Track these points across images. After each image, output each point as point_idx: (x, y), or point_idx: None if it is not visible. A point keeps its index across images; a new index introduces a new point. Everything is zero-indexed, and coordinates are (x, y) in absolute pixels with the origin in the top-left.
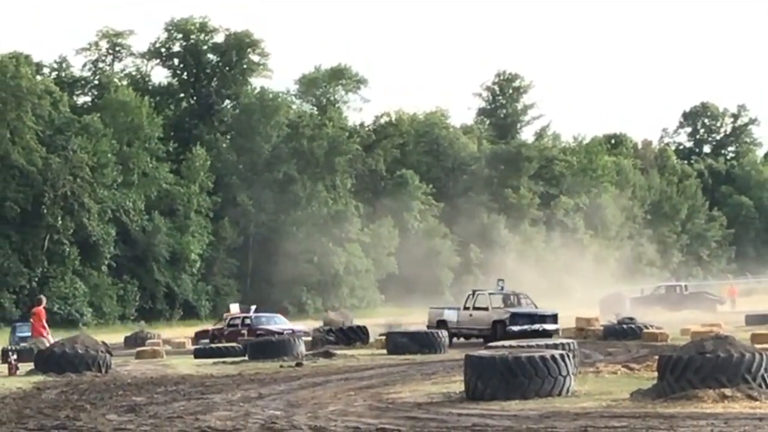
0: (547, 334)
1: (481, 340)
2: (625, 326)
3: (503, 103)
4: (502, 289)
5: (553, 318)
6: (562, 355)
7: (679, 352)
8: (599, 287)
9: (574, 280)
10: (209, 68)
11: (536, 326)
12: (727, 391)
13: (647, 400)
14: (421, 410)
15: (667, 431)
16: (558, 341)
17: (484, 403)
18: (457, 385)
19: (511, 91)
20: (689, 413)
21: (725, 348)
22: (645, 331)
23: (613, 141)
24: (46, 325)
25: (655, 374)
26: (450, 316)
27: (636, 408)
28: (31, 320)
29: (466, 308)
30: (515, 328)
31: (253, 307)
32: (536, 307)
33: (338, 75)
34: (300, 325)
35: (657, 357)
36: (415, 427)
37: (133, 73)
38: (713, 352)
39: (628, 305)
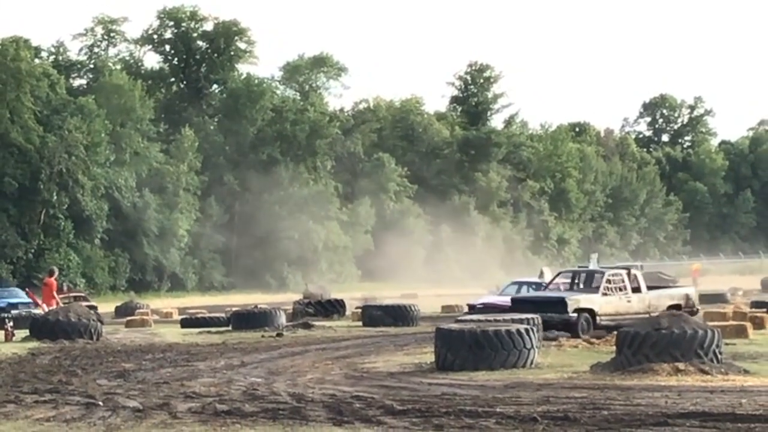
0: None
1: None
2: None
3: (474, 91)
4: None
5: None
6: (526, 330)
7: (636, 328)
8: (562, 265)
9: (539, 258)
10: (198, 54)
11: None
12: (681, 365)
13: (606, 372)
14: (394, 379)
15: (624, 402)
16: (522, 316)
17: (453, 374)
18: (428, 356)
19: (482, 80)
20: (645, 385)
21: (680, 325)
22: None
23: (577, 129)
24: (56, 295)
25: (614, 349)
26: None
27: (595, 380)
28: (42, 289)
29: None
30: None
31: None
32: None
33: (320, 63)
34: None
35: (615, 332)
36: (388, 395)
37: (127, 58)
38: (668, 329)
39: None
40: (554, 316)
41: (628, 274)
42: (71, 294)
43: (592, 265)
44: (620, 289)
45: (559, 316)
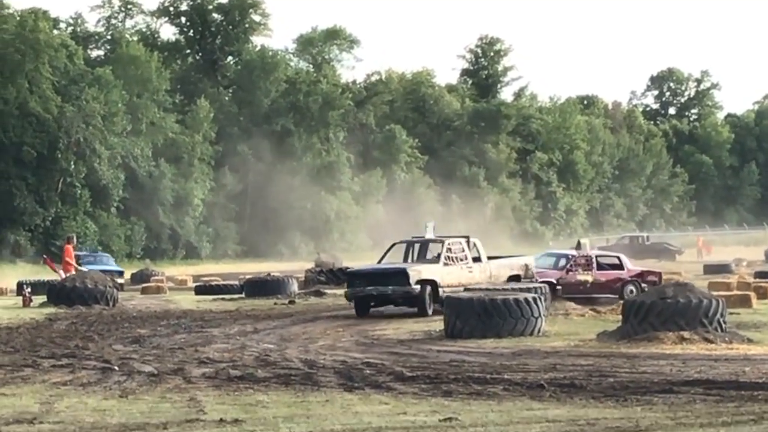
0: None
1: None
2: None
3: (485, 64)
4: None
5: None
6: (534, 298)
7: (642, 297)
8: (570, 236)
9: (547, 228)
10: (214, 27)
11: None
12: (686, 334)
13: (612, 340)
14: (404, 346)
15: (630, 370)
16: (531, 285)
17: (462, 341)
18: (437, 324)
19: (492, 53)
20: (650, 353)
21: (685, 294)
22: None
23: (585, 102)
24: (72, 261)
25: (620, 317)
26: None
27: (602, 348)
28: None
29: None
30: None
31: None
32: None
33: (333, 35)
34: None
35: (622, 301)
36: (397, 362)
37: (143, 30)
38: (674, 298)
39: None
40: (396, 289)
41: (468, 242)
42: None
43: (429, 235)
44: (461, 259)
45: (401, 289)
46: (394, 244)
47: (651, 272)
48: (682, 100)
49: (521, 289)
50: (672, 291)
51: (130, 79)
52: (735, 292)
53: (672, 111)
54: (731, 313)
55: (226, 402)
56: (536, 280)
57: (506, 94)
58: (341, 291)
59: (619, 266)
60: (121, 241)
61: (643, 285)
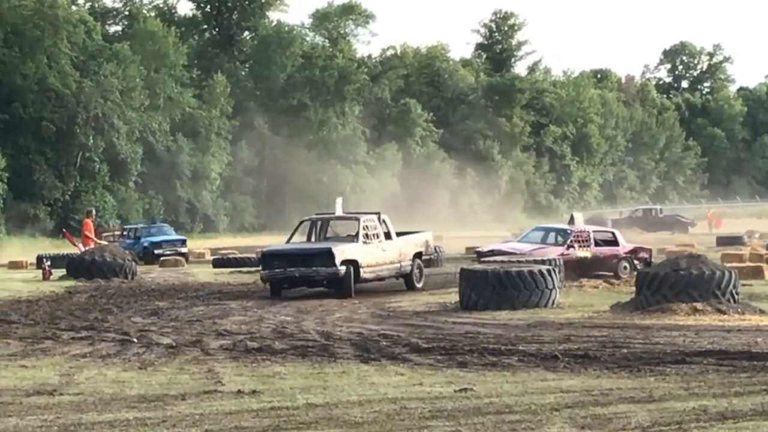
0: None
1: None
2: None
3: (499, 39)
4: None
5: None
6: (548, 270)
7: (655, 269)
8: (583, 209)
9: (561, 201)
10: (230, 2)
11: None
12: (699, 305)
13: (626, 312)
14: (419, 318)
15: (643, 341)
16: (545, 257)
17: (477, 313)
18: (452, 296)
19: (506, 28)
20: (664, 325)
21: (698, 266)
22: None
23: (599, 76)
24: (91, 234)
25: (634, 289)
26: None
27: (615, 319)
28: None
29: None
30: None
31: None
32: None
33: (348, 10)
34: None
35: (635, 273)
36: (413, 334)
37: (161, 5)
38: (687, 270)
39: (609, 226)
40: (321, 270)
41: (379, 219)
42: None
43: (338, 211)
44: (375, 237)
45: (326, 270)
46: (302, 222)
47: (643, 248)
48: (695, 74)
49: (536, 261)
50: (685, 263)
51: (147, 55)
52: (747, 263)
53: (685, 84)
54: (744, 285)
55: (244, 373)
56: (438, 256)
57: (520, 69)
58: None
59: (614, 242)
60: (140, 215)
61: (635, 262)
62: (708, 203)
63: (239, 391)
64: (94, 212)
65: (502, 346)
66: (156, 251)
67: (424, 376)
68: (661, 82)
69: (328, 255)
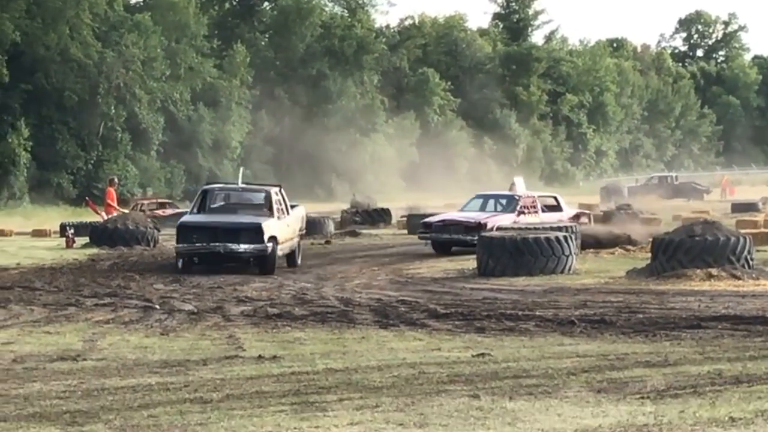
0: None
1: None
2: (622, 212)
3: (516, 8)
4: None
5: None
6: (565, 237)
7: (670, 235)
8: (599, 176)
9: (577, 169)
10: None
11: None
12: (714, 271)
13: (641, 278)
14: (438, 284)
15: (659, 306)
16: (562, 224)
17: (494, 279)
18: (470, 262)
19: None
20: (679, 290)
21: (713, 232)
22: (641, 216)
23: (614, 45)
24: (113, 203)
25: (649, 255)
26: None
27: (631, 285)
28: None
29: None
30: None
31: None
32: None
33: None
34: None
35: (650, 239)
36: (431, 300)
37: None
38: (702, 236)
39: (625, 193)
40: (247, 246)
41: (280, 192)
42: (158, 200)
43: (242, 182)
44: (282, 211)
45: (255, 246)
46: (204, 191)
47: (583, 213)
48: (710, 42)
49: (552, 228)
50: (700, 229)
51: (168, 25)
52: (762, 229)
53: (700, 53)
54: (758, 251)
55: (265, 339)
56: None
57: (537, 38)
58: (376, 231)
59: (558, 207)
60: (162, 184)
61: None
62: (723, 170)
63: (260, 357)
64: (116, 181)
65: (519, 312)
66: None
67: (443, 342)
68: (676, 51)
69: (257, 231)
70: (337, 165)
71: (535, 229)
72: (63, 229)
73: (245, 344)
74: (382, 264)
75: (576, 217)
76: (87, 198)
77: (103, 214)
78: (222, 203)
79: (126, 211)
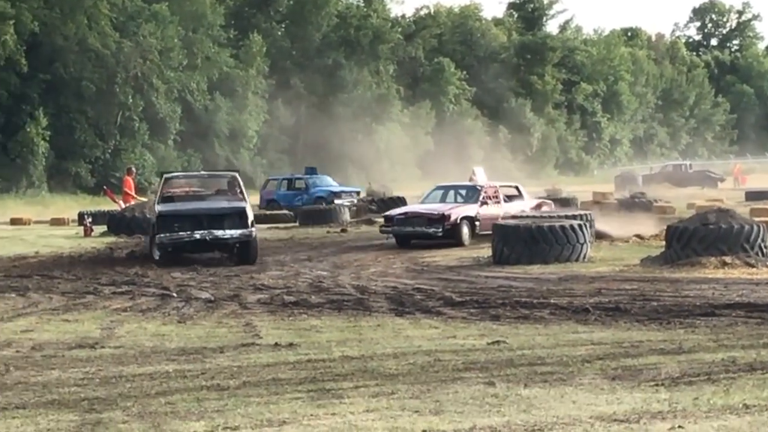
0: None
1: None
2: (637, 200)
3: None
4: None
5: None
6: (579, 225)
7: (685, 223)
8: (614, 165)
9: (592, 158)
10: None
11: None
12: (728, 259)
13: (655, 266)
14: (453, 272)
15: (673, 294)
16: (576, 212)
17: (509, 267)
18: (485, 251)
19: None
20: (693, 278)
21: (727, 220)
22: (655, 204)
23: (629, 34)
24: (130, 192)
25: (663, 243)
26: None
27: (645, 273)
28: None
29: None
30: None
31: None
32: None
33: None
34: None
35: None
36: (447, 288)
37: None
38: (716, 224)
39: (639, 181)
40: (233, 232)
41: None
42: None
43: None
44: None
45: (240, 231)
46: (167, 179)
47: (545, 202)
48: (724, 32)
49: (567, 216)
50: (714, 217)
51: (185, 15)
52: None
53: (714, 42)
54: None
55: (281, 327)
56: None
57: (552, 27)
58: None
59: (520, 196)
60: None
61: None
62: (737, 159)
63: (276, 344)
64: (134, 170)
65: (534, 300)
66: (336, 201)
67: (458, 329)
68: (690, 40)
69: (241, 215)
70: (352, 154)
71: (550, 217)
72: (81, 217)
73: (262, 332)
74: (398, 252)
75: (538, 206)
76: (105, 187)
77: (121, 202)
78: (187, 190)
79: (144, 199)
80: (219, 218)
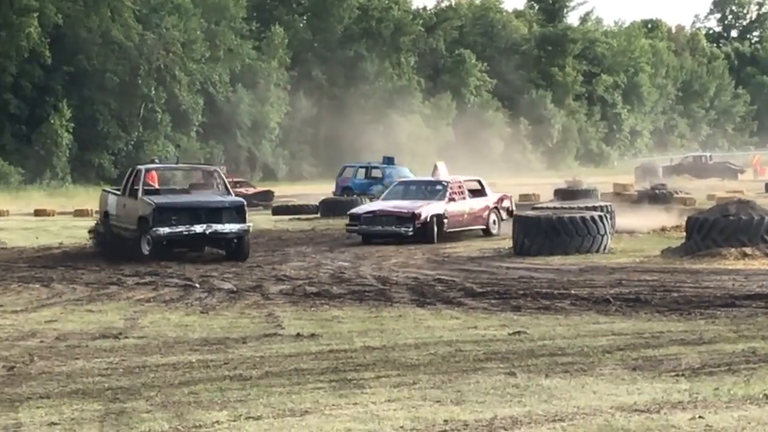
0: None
1: None
2: (657, 192)
3: None
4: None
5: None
6: (600, 216)
7: (705, 215)
8: (634, 156)
9: (612, 149)
10: None
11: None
12: (748, 250)
13: (676, 257)
14: (474, 263)
15: (694, 285)
16: (597, 203)
17: (530, 258)
18: (506, 242)
19: None
20: (713, 269)
21: (747, 211)
22: (675, 196)
23: (649, 26)
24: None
25: (684, 234)
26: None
27: (666, 264)
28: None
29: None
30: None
31: None
32: None
33: None
34: None
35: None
36: (468, 278)
37: None
38: (736, 215)
39: (660, 173)
40: (233, 226)
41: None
42: (233, 180)
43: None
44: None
45: (238, 226)
46: (134, 170)
47: (506, 197)
48: (744, 23)
49: (587, 208)
50: (734, 208)
51: (208, 7)
52: None
53: (734, 34)
54: None
55: (303, 317)
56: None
57: (572, 19)
58: None
59: (482, 192)
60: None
61: (501, 212)
62: (757, 150)
63: (298, 335)
64: (157, 162)
65: (555, 291)
66: None
67: (479, 320)
68: (710, 32)
69: (239, 210)
70: (374, 145)
71: (571, 208)
72: None
73: (284, 322)
74: (419, 244)
75: (499, 201)
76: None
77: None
78: (169, 184)
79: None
80: (218, 212)
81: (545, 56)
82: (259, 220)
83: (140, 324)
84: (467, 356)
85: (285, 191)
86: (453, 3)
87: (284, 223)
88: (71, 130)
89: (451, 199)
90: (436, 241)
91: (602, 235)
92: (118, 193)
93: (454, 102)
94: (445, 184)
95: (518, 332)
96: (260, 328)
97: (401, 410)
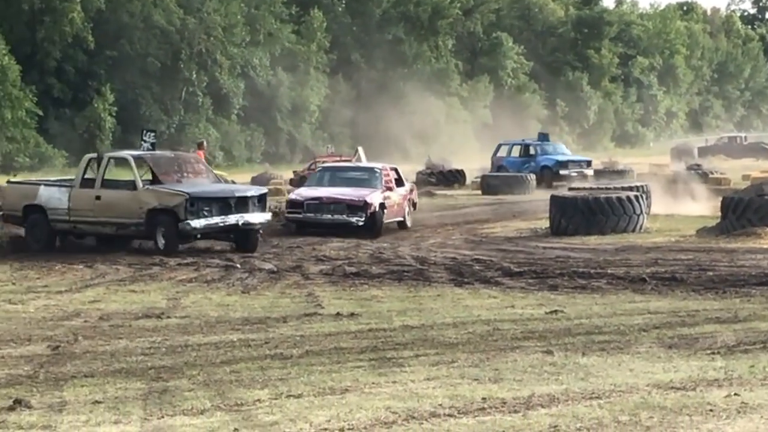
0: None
1: None
2: (692, 172)
3: None
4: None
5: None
6: (636, 196)
7: (740, 194)
8: (669, 137)
9: (648, 130)
10: None
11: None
12: None
13: (711, 236)
14: (511, 243)
15: (729, 264)
16: (633, 183)
17: (567, 238)
18: (542, 222)
19: None
20: (748, 248)
21: None
22: (710, 176)
23: (685, 8)
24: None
25: (719, 214)
26: None
27: (701, 243)
28: None
29: None
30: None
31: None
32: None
33: None
34: None
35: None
36: (505, 258)
37: None
38: None
39: (695, 153)
40: (258, 219)
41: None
42: (341, 158)
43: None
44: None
45: (264, 217)
46: (89, 158)
47: (414, 188)
48: None
49: (623, 188)
50: None
51: None
52: None
53: None
54: None
55: (342, 297)
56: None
57: (608, 2)
58: (451, 192)
59: (401, 181)
60: (242, 147)
61: (411, 204)
62: None
63: (338, 314)
64: (205, 144)
65: (592, 270)
66: (561, 171)
67: (516, 299)
68: (745, 14)
69: (260, 199)
70: (412, 127)
71: (606, 188)
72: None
73: (324, 302)
74: (457, 224)
75: (411, 191)
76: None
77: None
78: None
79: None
80: (245, 201)
81: (581, 39)
82: None
83: (182, 304)
84: (505, 335)
85: None
86: None
87: None
88: (114, 114)
89: (388, 188)
90: (381, 233)
91: (638, 215)
92: (65, 184)
93: (492, 84)
94: (378, 171)
95: (555, 311)
96: (300, 307)
97: (440, 388)
